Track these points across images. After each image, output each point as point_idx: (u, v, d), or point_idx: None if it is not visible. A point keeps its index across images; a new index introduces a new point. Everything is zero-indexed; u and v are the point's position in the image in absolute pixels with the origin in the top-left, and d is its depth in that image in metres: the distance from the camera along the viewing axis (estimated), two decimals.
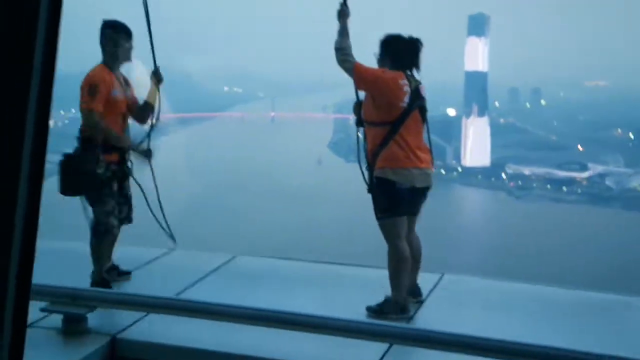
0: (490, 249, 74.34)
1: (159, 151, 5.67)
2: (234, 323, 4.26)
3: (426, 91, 5.09)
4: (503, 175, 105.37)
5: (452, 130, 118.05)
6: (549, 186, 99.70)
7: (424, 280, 5.46)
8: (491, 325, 4.81)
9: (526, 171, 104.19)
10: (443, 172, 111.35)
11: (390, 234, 4.91)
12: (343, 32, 4.94)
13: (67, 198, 5.11)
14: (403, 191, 4.86)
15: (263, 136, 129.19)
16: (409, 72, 5.03)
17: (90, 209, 5.31)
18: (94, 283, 5.26)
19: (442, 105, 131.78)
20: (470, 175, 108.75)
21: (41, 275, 1.49)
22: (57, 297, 4.51)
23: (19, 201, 1.14)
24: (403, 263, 4.85)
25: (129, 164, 5.44)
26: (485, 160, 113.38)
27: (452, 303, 5.20)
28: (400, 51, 5.04)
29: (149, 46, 5.50)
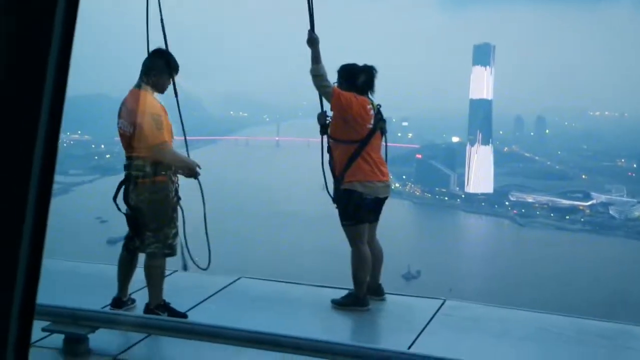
0: (493, 275, 74.00)
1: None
2: (236, 346, 4.25)
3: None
4: (506, 202, 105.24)
5: (457, 158, 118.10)
6: (552, 214, 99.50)
7: (427, 305, 5.45)
8: (491, 351, 4.79)
9: (529, 199, 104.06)
10: (447, 198, 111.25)
11: (354, 239, 5.52)
12: (317, 59, 5.36)
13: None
14: (368, 201, 5.49)
15: (267, 160, 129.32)
16: (369, 96, 5.58)
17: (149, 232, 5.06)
18: (155, 307, 5.08)
19: (446, 133, 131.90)
20: (474, 202, 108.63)
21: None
22: (59, 317, 4.50)
23: (24, 229, 1.13)
24: (364, 263, 5.49)
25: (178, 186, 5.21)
26: (489, 188, 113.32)
27: (453, 329, 5.18)
28: (358, 78, 5.54)
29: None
